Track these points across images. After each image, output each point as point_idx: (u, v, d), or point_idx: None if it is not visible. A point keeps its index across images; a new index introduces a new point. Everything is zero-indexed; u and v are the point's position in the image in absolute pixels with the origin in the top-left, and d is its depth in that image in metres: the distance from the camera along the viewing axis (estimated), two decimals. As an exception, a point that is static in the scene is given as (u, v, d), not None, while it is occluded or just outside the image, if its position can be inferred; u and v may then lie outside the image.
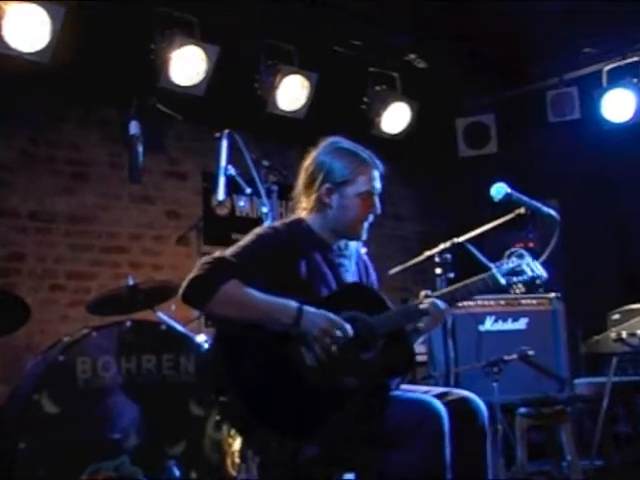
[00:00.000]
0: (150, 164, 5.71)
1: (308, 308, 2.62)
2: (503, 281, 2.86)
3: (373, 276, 3.04)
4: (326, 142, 2.89)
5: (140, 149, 3.79)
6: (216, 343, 2.68)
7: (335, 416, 2.55)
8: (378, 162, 2.87)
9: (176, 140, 6.08)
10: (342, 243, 2.90)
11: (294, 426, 2.55)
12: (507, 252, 2.94)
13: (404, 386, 2.85)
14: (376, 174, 2.85)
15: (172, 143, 6.05)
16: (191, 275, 2.64)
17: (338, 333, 2.60)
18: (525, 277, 2.88)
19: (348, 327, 2.63)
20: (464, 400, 2.75)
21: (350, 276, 2.90)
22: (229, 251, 2.71)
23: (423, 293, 2.86)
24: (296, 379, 2.59)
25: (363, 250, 3.06)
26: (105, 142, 5.69)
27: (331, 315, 2.62)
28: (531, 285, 2.89)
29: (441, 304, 2.79)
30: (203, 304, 2.63)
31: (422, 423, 2.51)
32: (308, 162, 2.88)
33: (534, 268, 2.90)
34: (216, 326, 2.70)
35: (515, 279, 2.88)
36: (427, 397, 2.65)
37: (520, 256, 2.90)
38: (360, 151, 2.86)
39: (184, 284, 2.64)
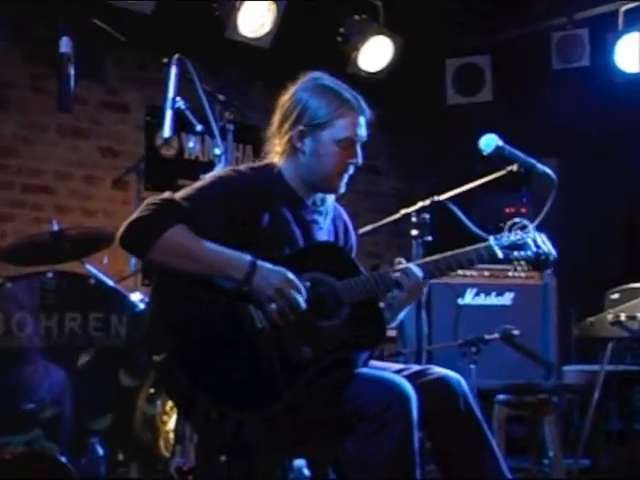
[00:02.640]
0: (84, 92, 5.67)
1: (263, 263, 2.65)
2: (500, 254, 2.89)
3: (353, 239, 3.09)
4: (307, 77, 2.91)
5: (72, 72, 3.73)
6: (154, 296, 2.70)
7: (287, 390, 2.57)
8: (365, 106, 2.88)
9: (116, 65, 6.02)
10: (318, 198, 2.94)
11: (238, 396, 2.57)
12: (509, 223, 2.97)
13: (374, 363, 2.87)
14: (361, 120, 2.87)
15: (111, 68, 6.00)
16: (133, 216, 2.67)
17: (295, 294, 2.63)
18: (529, 253, 2.91)
19: (307, 289, 2.66)
20: (439, 380, 2.77)
21: (323, 235, 2.94)
22: (181, 193, 2.73)
23: (397, 260, 2.87)
24: (243, 343, 2.62)
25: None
26: (29, 61, 5.63)
27: (289, 274, 2.65)
28: (535, 262, 2.92)
29: (418, 272, 2.80)
30: (143, 250, 2.65)
31: (388, 407, 2.53)
32: (285, 98, 2.90)
33: (540, 244, 2.92)
34: (154, 277, 2.72)
35: (517, 254, 2.91)
36: (396, 377, 2.66)
37: (524, 228, 2.93)
38: (344, 90, 2.87)
39: (123, 226, 2.67)
